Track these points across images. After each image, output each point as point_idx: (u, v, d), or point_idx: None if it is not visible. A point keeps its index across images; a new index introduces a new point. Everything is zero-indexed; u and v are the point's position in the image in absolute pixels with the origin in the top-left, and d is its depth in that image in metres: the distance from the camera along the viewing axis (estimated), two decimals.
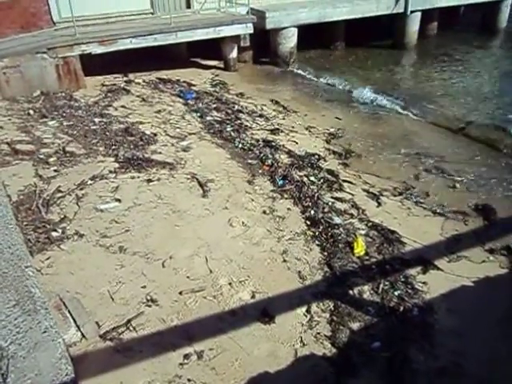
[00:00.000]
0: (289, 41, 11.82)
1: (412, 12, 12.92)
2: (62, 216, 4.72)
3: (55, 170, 5.65)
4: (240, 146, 6.85)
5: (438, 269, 4.27)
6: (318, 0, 12.47)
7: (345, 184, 5.86)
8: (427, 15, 13.60)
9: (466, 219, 5.17)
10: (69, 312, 3.38)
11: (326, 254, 4.41)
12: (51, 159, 5.92)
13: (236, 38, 10.89)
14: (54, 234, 4.41)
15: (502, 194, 5.82)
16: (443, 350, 3.36)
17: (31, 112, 7.61)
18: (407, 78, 11.48)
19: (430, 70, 11.73)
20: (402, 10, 12.83)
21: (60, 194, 5.11)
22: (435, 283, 4.05)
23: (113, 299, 3.68)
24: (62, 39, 8.93)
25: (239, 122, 7.86)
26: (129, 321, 3.46)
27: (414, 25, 13.33)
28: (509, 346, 3.39)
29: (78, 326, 3.29)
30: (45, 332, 1.67)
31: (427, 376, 3.15)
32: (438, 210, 5.32)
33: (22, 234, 3.63)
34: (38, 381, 1.54)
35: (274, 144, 6.92)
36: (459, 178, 6.17)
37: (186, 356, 3.21)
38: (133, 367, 3.10)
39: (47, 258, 4.06)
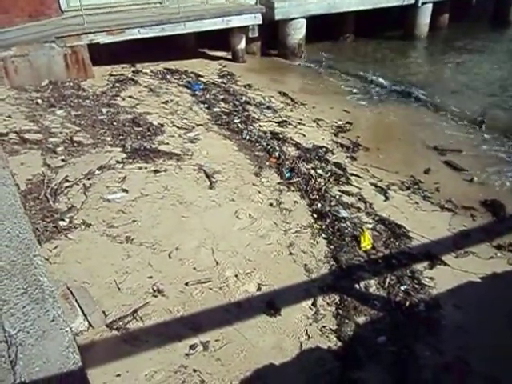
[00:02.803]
0: (297, 32, 11.70)
1: (423, 3, 12.75)
2: (70, 205, 4.74)
3: (63, 160, 5.66)
4: (247, 137, 6.83)
5: (445, 264, 4.25)
6: None
7: (352, 177, 5.83)
8: (438, 7, 13.42)
9: (474, 214, 5.14)
10: (76, 301, 3.40)
11: (332, 247, 4.40)
12: (59, 149, 5.93)
13: (244, 29, 10.81)
14: (61, 223, 4.43)
15: None
16: (449, 345, 3.34)
17: (39, 101, 7.62)
18: (419, 71, 11.32)
19: (441, 62, 11.57)
20: (413, 2, 12.67)
21: (67, 184, 5.12)
22: (442, 279, 4.03)
23: (119, 289, 3.69)
24: (70, 28, 8.90)
25: (247, 113, 7.82)
26: (135, 311, 3.48)
27: (425, 17, 13.18)
28: None
29: (85, 315, 3.32)
30: (53, 320, 1.68)
31: (433, 371, 3.15)
32: (446, 205, 5.28)
33: (30, 223, 3.65)
34: (46, 368, 1.56)
35: (281, 136, 6.89)
36: (471, 172, 6.12)
37: (192, 346, 3.23)
38: (139, 357, 3.11)
39: (55, 247, 4.08)
